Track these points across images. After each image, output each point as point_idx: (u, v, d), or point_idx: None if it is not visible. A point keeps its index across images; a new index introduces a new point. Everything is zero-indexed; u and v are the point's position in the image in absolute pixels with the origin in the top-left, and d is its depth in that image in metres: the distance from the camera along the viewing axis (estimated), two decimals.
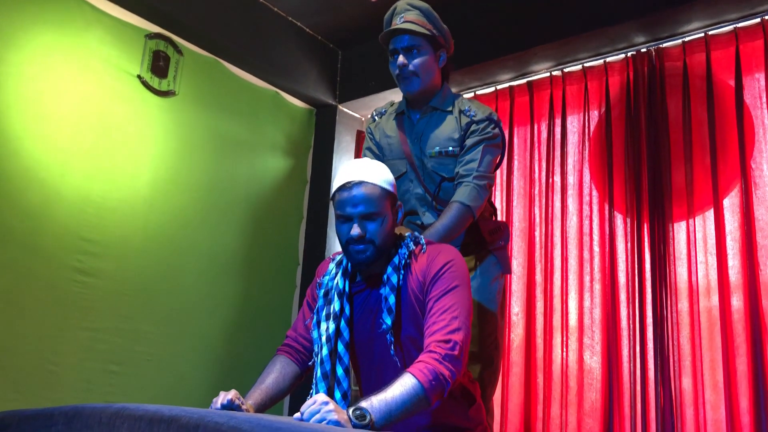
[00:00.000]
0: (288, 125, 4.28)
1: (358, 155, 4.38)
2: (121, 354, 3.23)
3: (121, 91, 3.37)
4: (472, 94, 4.04)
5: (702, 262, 3.09)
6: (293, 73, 4.17)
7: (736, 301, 2.96)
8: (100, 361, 3.14)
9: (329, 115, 4.42)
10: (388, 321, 1.71)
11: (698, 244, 3.11)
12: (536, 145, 3.72)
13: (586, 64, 3.62)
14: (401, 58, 2.18)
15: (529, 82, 3.81)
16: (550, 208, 3.57)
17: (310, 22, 4.18)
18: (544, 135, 3.71)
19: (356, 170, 1.76)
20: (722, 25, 3.22)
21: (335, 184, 1.79)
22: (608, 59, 3.56)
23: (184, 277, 3.54)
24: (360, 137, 4.43)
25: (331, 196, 1.83)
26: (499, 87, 3.94)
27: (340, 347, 1.75)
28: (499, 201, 3.79)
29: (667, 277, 3.13)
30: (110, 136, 3.29)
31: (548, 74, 3.74)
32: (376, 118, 2.49)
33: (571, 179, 3.56)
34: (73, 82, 3.17)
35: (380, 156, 2.35)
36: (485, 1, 3.78)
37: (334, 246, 4.21)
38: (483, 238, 2.30)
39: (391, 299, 1.72)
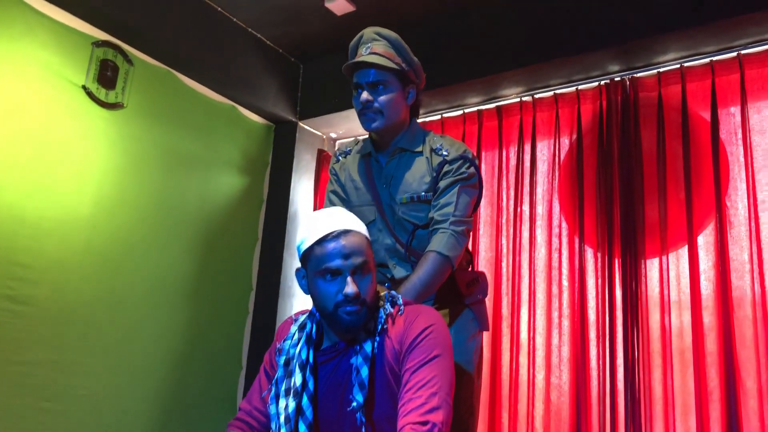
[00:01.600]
0: (245, 141, 4.06)
1: (318, 175, 4.18)
2: (55, 389, 2.95)
3: (64, 102, 3.10)
4: (439, 117, 3.89)
5: (675, 301, 2.99)
6: (252, 87, 3.95)
7: (710, 344, 2.86)
8: (32, 397, 2.86)
9: (289, 132, 4.21)
10: (360, 398, 1.47)
11: (671, 283, 3.01)
12: (504, 171, 3.59)
13: (557, 91, 3.50)
14: (365, 95, 1.97)
15: (498, 107, 3.68)
16: (517, 239, 3.43)
17: (271, 33, 3.97)
18: (513, 162, 3.58)
19: (337, 219, 1.55)
20: (698, 57, 3.14)
21: (307, 236, 1.54)
22: (581, 87, 3.45)
23: (128, 304, 3.29)
24: (321, 156, 4.23)
25: (302, 251, 1.57)
26: (467, 110, 3.79)
27: (302, 429, 1.51)
28: None
29: (639, 316, 3.02)
30: (50, 150, 3.02)
31: (518, 99, 3.61)
32: (340, 158, 2.24)
33: (540, 209, 3.43)
34: (9, 91, 2.90)
35: (345, 200, 2.14)
36: (454, 22, 3.63)
37: (290, 270, 4.00)
38: (459, 291, 2.06)
39: (364, 372, 1.48)
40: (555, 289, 3.28)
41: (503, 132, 3.64)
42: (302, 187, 4.14)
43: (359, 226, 1.57)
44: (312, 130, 4.29)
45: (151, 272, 3.42)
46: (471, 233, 2.13)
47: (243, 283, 3.97)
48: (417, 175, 2.00)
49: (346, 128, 4.24)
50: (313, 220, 1.56)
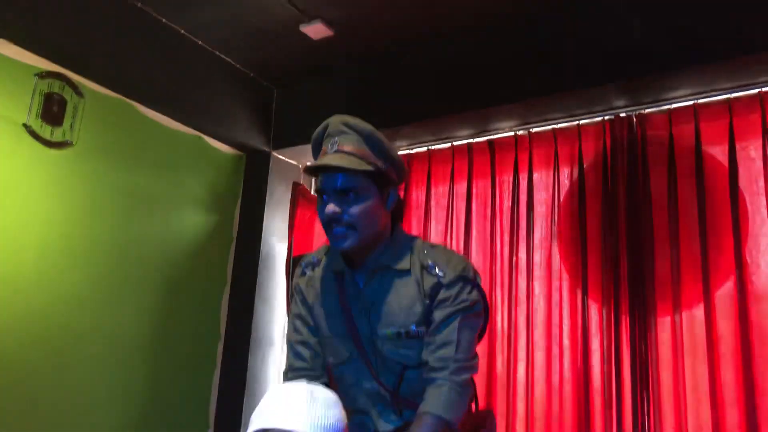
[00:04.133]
0: (212, 174, 3.69)
1: (294, 210, 3.82)
2: None
3: (2, 143, 2.72)
4: (425, 149, 3.54)
5: (690, 369, 2.68)
6: (220, 114, 3.59)
7: (731, 419, 2.56)
8: None
9: (261, 163, 3.85)
10: None
11: (686, 347, 2.70)
12: (498, 213, 3.26)
13: (556, 126, 3.18)
14: (332, 206, 1.53)
15: (490, 141, 3.34)
16: (513, 290, 3.11)
17: (241, 57, 3.61)
18: (507, 203, 3.25)
19: (284, 413, 1.23)
20: (714, 93, 2.83)
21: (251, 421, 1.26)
22: (582, 122, 3.12)
23: (78, 370, 2.91)
24: (296, 189, 3.87)
25: None
26: (456, 143, 3.46)
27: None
28: None
29: (649, 383, 2.71)
30: None
31: (513, 133, 3.28)
32: (306, 270, 1.78)
33: (538, 257, 3.11)
34: None
35: (312, 331, 1.72)
36: (443, 49, 3.29)
37: (262, 317, 3.65)
38: None
39: None
40: (555, 349, 2.96)
41: (496, 168, 3.30)
42: (276, 224, 3.79)
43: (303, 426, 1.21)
44: (287, 159, 3.93)
45: (106, 331, 3.04)
46: (475, 374, 1.64)
47: (210, 333, 3.61)
48: (405, 303, 1.60)
49: None
50: (262, 408, 1.27)
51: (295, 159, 3.95)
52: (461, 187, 3.38)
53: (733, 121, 2.77)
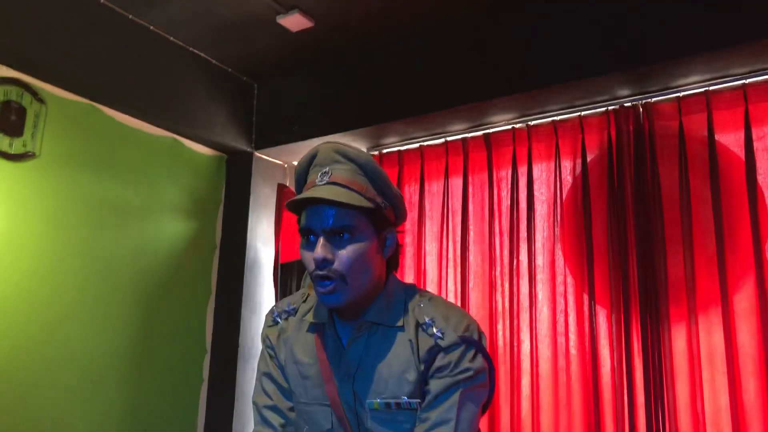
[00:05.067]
0: (191, 178, 3.47)
1: (280, 214, 3.61)
2: None
3: None
4: (417, 146, 3.32)
5: (708, 380, 2.48)
6: (197, 114, 3.36)
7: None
8: None
9: (243, 164, 3.62)
10: None
11: (703, 356, 2.49)
12: (496, 214, 3.04)
13: (557, 118, 2.95)
14: (320, 249, 1.26)
15: (486, 135, 3.12)
16: (515, 296, 2.90)
17: (217, 52, 3.37)
18: (506, 202, 3.03)
19: None
20: (728, 79, 2.60)
21: None
22: (584, 113, 2.90)
23: (51, 401, 2.71)
24: (282, 191, 3.65)
25: None
26: (450, 138, 3.23)
27: None
28: (451, 280, 3.09)
29: (663, 396, 2.51)
30: None
31: (510, 127, 3.05)
32: (278, 320, 1.50)
33: (541, 260, 2.90)
34: None
35: (285, 394, 1.44)
36: (433, 41, 3.06)
37: (249, 328, 3.44)
38: None
39: None
40: (561, 361, 2.75)
41: (494, 164, 3.08)
42: (261, 229, 3.57)
43: None
44: (271, 159, 3.70)
45: (79, 354, 2.84)
46: None
47: (195, 345, 3.41)
48: (396, 368, 1.33)
49: None
50: None
51: (279, 159, 3.72)
52: (457, 186, 3.17)
53: (749, 108, 2.54)
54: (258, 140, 3.60)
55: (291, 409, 1.44)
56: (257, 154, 3.62)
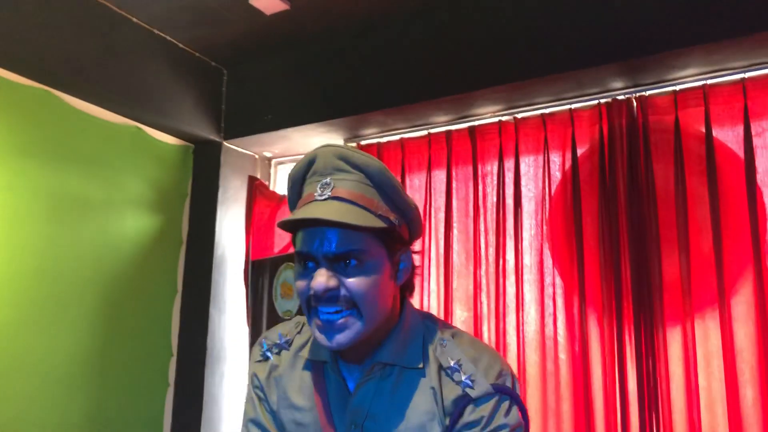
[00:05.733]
0: (155, 170, 3.25)
1: (251, 208, 3.41)
2: None
3: None
4: (398, 138, 3.15)
5: (705, 387, 2.38)
6: (161, 102, 3.14)
7: None
8: None
9: (212, 154, 3.42)
10: None
11: (699, 360, 2.39)
12: (481, 210, 2.89)
13: (545, 110, 2.81)
14: (322, 277, 1.05)
15: (471, 128, 2.96)
16: (501, 297, 2.76)
17: (183, 35, 3.15)
18: (492, 199, 2.88)
19: None
20: (726, 73, 2.49)
21: None
22: (575, 105, 2.76)
23: (3, 404, 2.49)
24: (253, 184, 3.45)
25: None
26: (432, 131, 3.07)
27: None
28: (434, 280, 2.94)
29: (658, 403, 2.40)
30: None
31: (497, 120, 2.90)
32: (269, 354, 1.27)
33: (528, 260, 2.76)
34: None
35: None
36: (415, 27, 2.89)
37: (218, 328, 3.25)
38: None
39: None
40: (550, 365, 2.63)
41: (479, 158, 2.93)
42: (230, 223, 3.37)
43: None
44: (241, 150, 3.50)
45: (38, 355, 2.63)
46: None
47: (160, 349, 3.20)
48: (415, 420, 1.11)
49: (284, 147, 3.47)
50: None
51: (250, 149, 3.52)
52: (440, 181, 3.01)
53: (747, 103, 2.43)
54: (227, 129, 3.40)
55: None
56: (226, 144, 3.41)
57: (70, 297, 2.79)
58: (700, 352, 2.40)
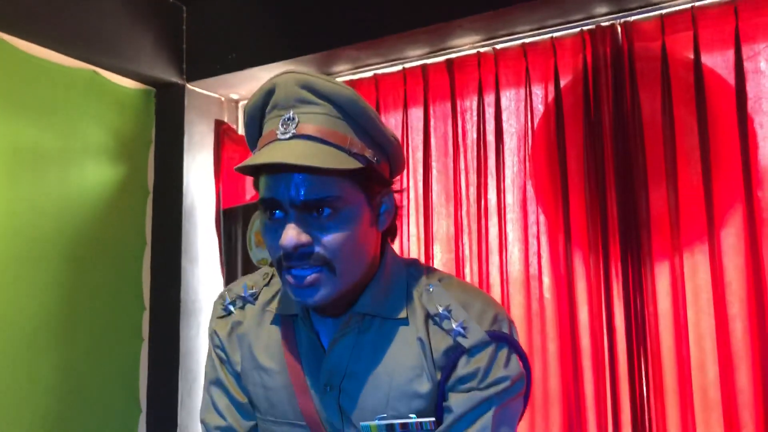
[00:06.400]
0: (115, 117, 3.06)
1: (219, 153, 3.25)
2: None
3: None
4: (371, 74, 2.99)
5: (693, 322, 2.32)
6: (116, 42, 2.93)
7: (742, 379, 2.22)
8: None
9: (175, 98, 3.22)
10: None
11: (689, 295, 2.33)
12: (462, 148, 2.77)
13: (526, 40, 2.66)
14: (291, 232, 0.91)
15: (448, 61, 2.80)
16: (483, 238, 2.66)
17: None
18: (472, 135, 2.76)
19: None
20: None
21: None
22: (557, 34, 2.62)
23: None
24: (220, 128, 3.28)
25: None
26: (407, 65, 2.91)
27: None
28: (413, 223, 2.84)
29: (646, 340, 2.35)
30: None
31: (475, 51, 2.75)
32: (231, 308, 1.13)
33: (510, 198, 2.66)
34: None
35: (242, 410, 1.09)
36: None
37: (192, 279, 3.14)
38: None
39: None
40: (535, 305, 2.56)
41: (457, 93, 2.79)
42: (198, 170, 3.21)
43: None
44: (205, 92, 3.31)
45: (1, 318, 2.50)
46: None
47: (132, 303, 3.08)
48: (401, 376, 0.99)
49: (251, 88, 3.28)
50: None
51: (215, 91, 3.34)
52: (417, 119, 2.87)
53: (739, 25, 2.30)
54: (190, 71, 3.20)
55: (252, 429, 1.10)
56: (189, 86, 3.22)
57: (32, 255, 2.64)
58: (689, 286, 2.33)
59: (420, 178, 2.81)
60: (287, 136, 0.92)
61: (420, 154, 2.83)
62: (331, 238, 0.92)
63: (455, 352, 0.98)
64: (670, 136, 2.38)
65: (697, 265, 2.35)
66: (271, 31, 2.99)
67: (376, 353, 1.01)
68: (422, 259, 2.64)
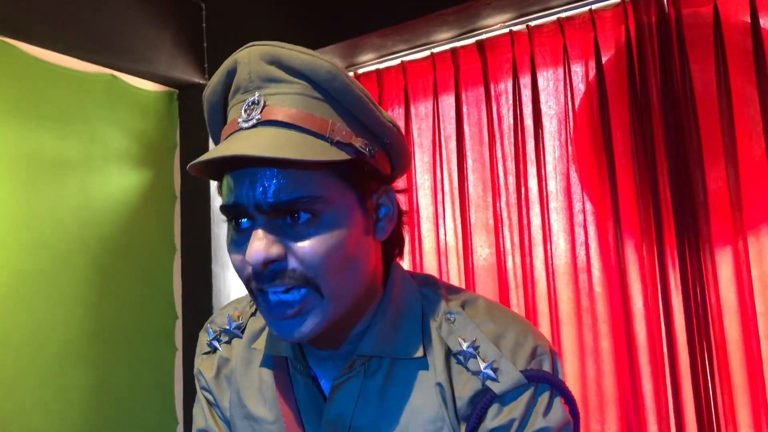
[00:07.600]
0: (137, 120, 2.97)
1: None
2: None
3: None
4: (399, 62, 2.82)
5: (763, 313, 2.11)
6: (135, 44, 2.83)
7: None
8: None
9: (198, 99, 3.08)
10: None
11: (755, 283, 2.11)
12: (497, 135, 2.59)
13: (562, 15, 2.47)
14: (258, 245, 0.72)
15: (479, 42, 2.63)
16: (525, 230, 2.49)
17: None
18: (509, 120, 2.57)
19: None
20: None
21: None
22: (595, 6, 2.42)
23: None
24: None
25: None
26: (435, 50, 2.74)
27: None
28: (449, 216, 2.67)
29: (709, 332, 2.14)
30: None
31: (507, 30, 2.57)
32: (216, 344, 0.96)
33: (553, 186, 2.48)
34: None
35: None
36: None
37: (223, 285, 3.03)
38: None
39: None
40: (585, 300, 2.37)
41: (490, 76, 2.61)
42: None
43: None
44: None
45: (26, 335, 2.42)
46: None
47: (163, 312, 2.99)
48: (416, 428, 0.80)
49: None
50: None
51: None
52: (448, 106, 2.70)
53: None
54: (212, 69, 3.09)
55: None
56: None
57: (57, 267, 2.56)
58: (755, 273, 2.11)
59: (455, 168, 2.65)
60: (250, 123, 0.74)
61: (453, 144, 2.67)
62: (309, 249, 0.73)
63: (484, 399, 0.79)
64: (727, 110, 2.16)
65: (763, 249, 2.13)
66: (292, 23, 2.86)
67: (386, 402, 0.83)
68: (461, 256, 2.49)
